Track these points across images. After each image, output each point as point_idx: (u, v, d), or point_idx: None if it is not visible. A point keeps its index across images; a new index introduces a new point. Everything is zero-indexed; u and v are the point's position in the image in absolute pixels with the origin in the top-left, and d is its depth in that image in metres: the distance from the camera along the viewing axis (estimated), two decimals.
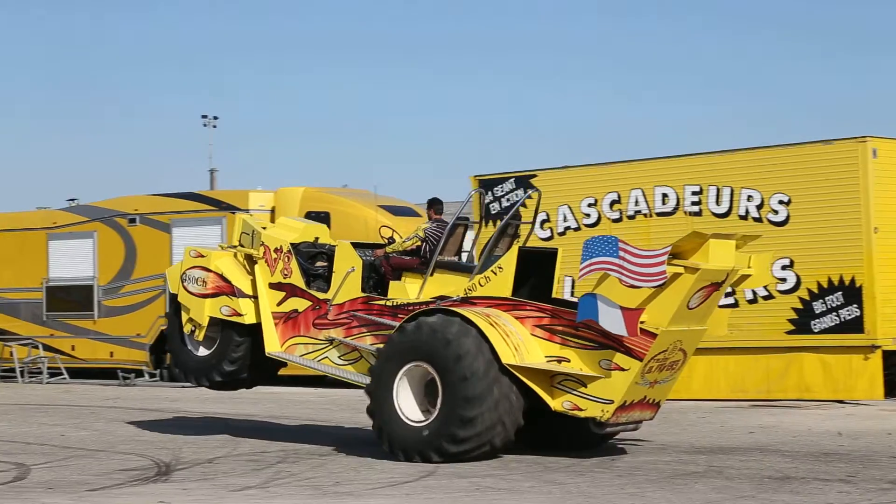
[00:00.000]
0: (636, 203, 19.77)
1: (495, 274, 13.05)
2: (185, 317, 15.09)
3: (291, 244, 14.62)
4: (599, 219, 20.01)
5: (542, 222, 20.37)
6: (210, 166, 56.75)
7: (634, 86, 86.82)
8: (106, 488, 10.96)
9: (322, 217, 23.49)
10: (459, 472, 11.79)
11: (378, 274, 14.10)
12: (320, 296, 14.27)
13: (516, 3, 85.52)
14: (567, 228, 20.29)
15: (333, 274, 14.29)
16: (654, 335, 11.85)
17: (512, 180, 20.80)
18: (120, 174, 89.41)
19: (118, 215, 26.14)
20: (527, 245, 13.81)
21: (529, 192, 14.19)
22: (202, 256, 15.13)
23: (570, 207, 20.24)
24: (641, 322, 11.75)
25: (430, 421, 12.66)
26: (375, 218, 22.82)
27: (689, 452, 13.12)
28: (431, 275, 13.49)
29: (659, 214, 19.59)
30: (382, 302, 13.77)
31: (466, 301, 13.09)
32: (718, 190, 19.03)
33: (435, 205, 14.28)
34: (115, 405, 19.98)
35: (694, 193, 19.27)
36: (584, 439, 13.03)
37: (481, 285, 13.13)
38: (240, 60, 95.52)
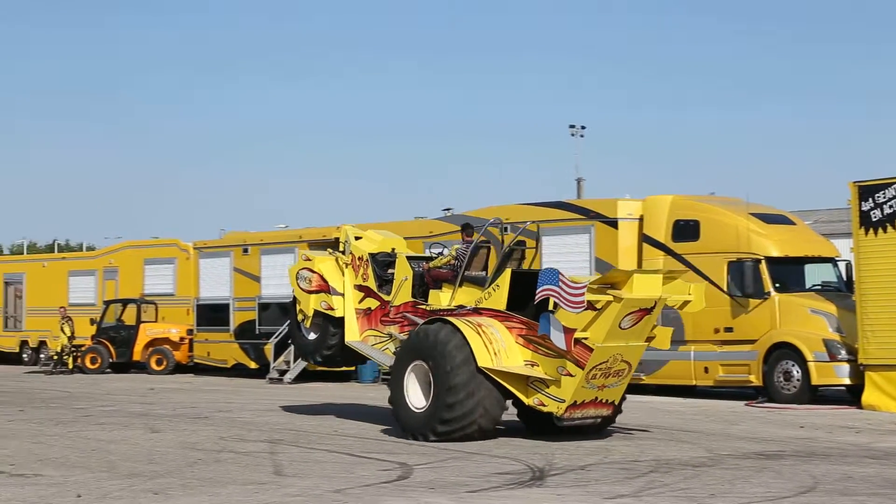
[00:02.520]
0: None
1: (495, 291, 15.88)
2: (298, 308, 18.56)
3: (370, 254, 17.93)
4: None
5: None
6: (577, 175, 57.49)
7: None
8: (484, 490, 11.26)
9: (690, 226, 23.24)
10: (841, 488, 11.30)
11: (424, 283, 17.04)
12: (385, 297, 17.54)
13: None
14: None
15: (394, 281, 17.41)
16: (591, 349, 14.50)
17: (895, 186, 19.71)
18: (491, 184, 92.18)
19: (490, 224, 26.65)
20: (523, 268, 16.50)
21: (528, 223, 18.53)
22: (310, 260, 18.52)
23: None
24: (585, 339, 14.49)
25: (426, 407, 15.45)
26: (747, 226, 22.25)
27: None
28: (460, 286, 16.45)
29: None
30: (424, 306, 16.89)
31: (475, 311, 15.98)
32: None
33: (466, 229, 17.17)
34: None
35: None
36: (553, 429, 15.57)
37: (486, 299, 15.97)
38: (608, 71, 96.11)
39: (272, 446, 14.91)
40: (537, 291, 14.96)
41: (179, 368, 33.89)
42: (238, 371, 31.84)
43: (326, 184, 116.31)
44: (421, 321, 16.43)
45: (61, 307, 35.70)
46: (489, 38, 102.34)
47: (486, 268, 16.73)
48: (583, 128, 59.36)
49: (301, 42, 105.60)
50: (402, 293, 17.27)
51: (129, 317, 35.12)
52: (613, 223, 24.37)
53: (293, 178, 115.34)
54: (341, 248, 18.48)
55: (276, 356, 29.72)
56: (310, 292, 18.27)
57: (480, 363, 15.14)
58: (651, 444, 14.99)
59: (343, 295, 18.01)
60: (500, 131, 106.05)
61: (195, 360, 33.42)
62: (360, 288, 17.97)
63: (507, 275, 15.85)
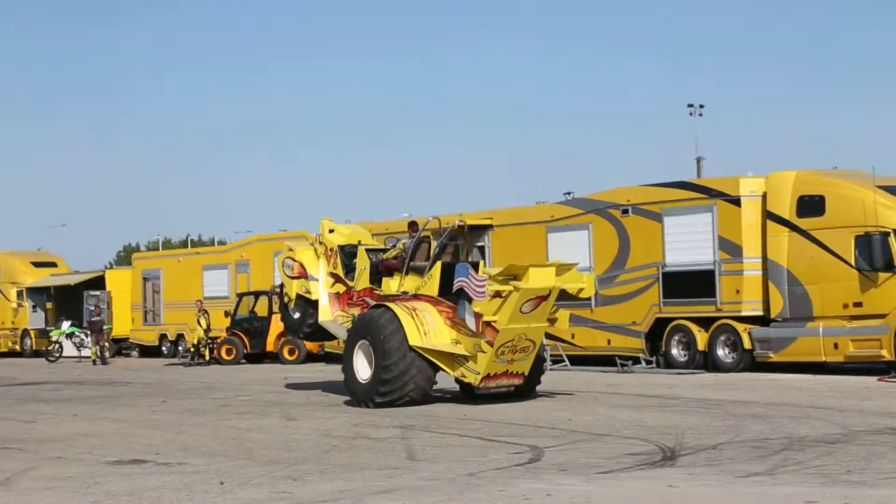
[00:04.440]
0: None
1: (429, 280, 18.84)
2: (284, 291, 21.85)
3: (339, 245, 20.91)
4: None
5: None
6: (696, 154, 56.75)
7: None
8: (615, 471, 11.36)
9: (815, 201, 22.90)
10: None
11: (379, 272, 19.98)
12: (350, 283, 20.53)
13: None
14: None
15: (356, 269, 20.36)
16: (498, 330, 17.40)
17: None
18: (611, 166, 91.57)
19: (611, 206, 26.63)
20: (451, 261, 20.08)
21: (457, 222, 22.01)
22: (292, 250, 21.71)
23: None
24: (493, 322, 17.40)
25: (370, 378, 18.41)
26: (874, 199, 21.87)
27: None
28: (406, 275, 19.43)
29: None
30: (378, 292, 19.86)
31: (415, 296, 18.90)
32: None
33: (412, 225, 20.63)
34: (616, 391, 20.55)
35: None
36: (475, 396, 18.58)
37: (423, 286, 18.89)
38: (726, 49, 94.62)
39: (404, 432, 15.22)
40: (454, 282, 18.06)
41: (311, 358, 34.55)
42: None
43: (446, 171, 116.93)
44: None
45: (197, 300, 36.61)
46: (607, 21, 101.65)
47: (428, 258, 19.46)
48: (701, 107, 58.58)
49: (426, 22, 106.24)
50: (361, 280, 20.33)
51: (262, 308, 35.89)
52: (736, 201, 24.16)
53: (414, 166, 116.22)
54: (319, 240, 21.39)
55: None
56: (292, 278, 21.48)
57: (411, 341, 18.07)
58: (783, 422, 14.91)
59: (318, 280, 21.03)
60: (618, 113, 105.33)
61: (325, 350, 33.97)
62: (331, 275, 21.03)
63: (437, 266, 18.85)
